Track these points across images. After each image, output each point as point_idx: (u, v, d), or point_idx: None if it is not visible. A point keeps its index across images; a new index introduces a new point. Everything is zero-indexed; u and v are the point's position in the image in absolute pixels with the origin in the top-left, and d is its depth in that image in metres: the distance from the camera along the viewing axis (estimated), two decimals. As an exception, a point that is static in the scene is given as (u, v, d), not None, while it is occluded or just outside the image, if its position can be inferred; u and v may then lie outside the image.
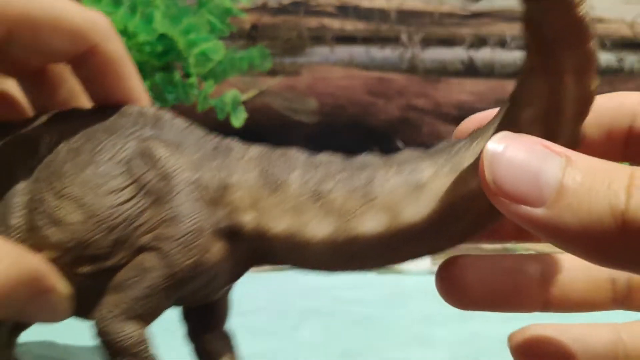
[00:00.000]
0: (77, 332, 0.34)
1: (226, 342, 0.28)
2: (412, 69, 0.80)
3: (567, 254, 0.25)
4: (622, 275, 0.25)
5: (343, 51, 0.79)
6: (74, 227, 0.24)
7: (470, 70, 0.81)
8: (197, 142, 0.26)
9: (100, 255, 0.24)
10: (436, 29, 0.80)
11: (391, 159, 0.24)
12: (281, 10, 0.78)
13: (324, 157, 0.25)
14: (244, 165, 0.25)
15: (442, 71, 0.81)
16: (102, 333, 0.24)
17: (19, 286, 0.22)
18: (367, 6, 0.80)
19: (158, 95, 0.65)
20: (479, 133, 0.22)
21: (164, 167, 0.25)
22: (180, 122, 0.26)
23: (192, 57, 0.65)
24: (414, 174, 0.23)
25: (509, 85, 0.21)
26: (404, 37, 0.80)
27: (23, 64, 0.28)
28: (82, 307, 0.25)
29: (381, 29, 0.80)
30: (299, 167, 0.25)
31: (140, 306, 0.24)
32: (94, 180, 0.25)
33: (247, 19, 0.77)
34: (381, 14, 0.80)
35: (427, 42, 0.80)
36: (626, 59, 0.84)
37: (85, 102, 0.29)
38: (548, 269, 0.25)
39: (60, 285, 0.24)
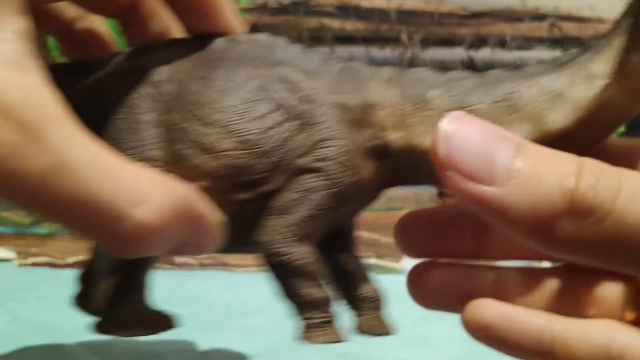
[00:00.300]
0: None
1: (361, 264, 0.28)
2: (412, 69, 0.80)
3: (525, 267, 0.25)
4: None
5: (343, 51, 0.79)
6: (228, 154, 0.24)
7: (470, 70, 0.81)
8: (323, 64, 0.26)
9: (257, 180, 0.25)
10: (436, 29, 0.80)
11: (523, 72, 0.25)
12: (281, 10, 0.78)
13: (457, 74, 0.26)
14: (381, 85, 0.26)
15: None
16: (273, 255, 0.25)
17: (176, 218, 0.21)
18: (367, 6, 0.80)
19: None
20: (602, 44, 0.23)
21: (304, 90, 0.25)
22: (297, 47, 0.27)
23: (192, 57, 0.65)
24: (550, 84, 0.24)
25: (509, 86, 0.21)
26: (404, 37, 0.80)
27: (115, 1, 0.27)
28: (237, 234, 0.25)
29: (381, 29, 0.80)
30: (437, 84, 0.26)
31: (308, 226, 0.25)
32: (238, 106, 0.25)
33: (247, 19, 0.77)
34: (381, 14, 0.80)
35: (427, 42, 0.80)
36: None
37: (177, 36, 0.29)
38: (501, 277, 0.25)
39: (214, 214, 0.23)
